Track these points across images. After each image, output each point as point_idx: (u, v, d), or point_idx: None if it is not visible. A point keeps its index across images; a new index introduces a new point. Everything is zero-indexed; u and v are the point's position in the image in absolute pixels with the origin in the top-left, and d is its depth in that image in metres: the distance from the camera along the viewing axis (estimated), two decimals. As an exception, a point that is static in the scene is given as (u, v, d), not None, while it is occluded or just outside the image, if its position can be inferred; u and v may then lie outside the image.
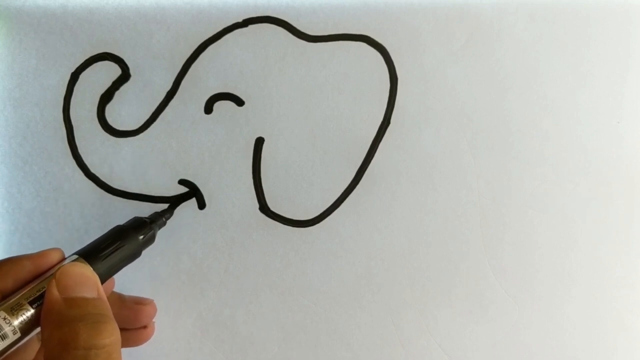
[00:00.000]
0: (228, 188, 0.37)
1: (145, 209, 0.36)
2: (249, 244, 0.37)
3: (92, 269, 0.28)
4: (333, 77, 0.37)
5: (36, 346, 0.29)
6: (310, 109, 0.37)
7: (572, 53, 0.37)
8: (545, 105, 0.37)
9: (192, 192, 0.36)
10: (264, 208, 0.37)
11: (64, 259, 0.29)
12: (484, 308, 0.37)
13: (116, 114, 0.36)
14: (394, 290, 0.37)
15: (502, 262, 0.37)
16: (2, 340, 0.25)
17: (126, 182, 0.36)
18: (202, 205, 0.37)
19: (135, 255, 0.31)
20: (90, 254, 0.29)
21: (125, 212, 0.36)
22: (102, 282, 0.28)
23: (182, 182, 0.37)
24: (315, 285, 0.37)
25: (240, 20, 0.36)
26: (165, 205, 0.36)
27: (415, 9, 0.37)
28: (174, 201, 0.36)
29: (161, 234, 0.36)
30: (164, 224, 0.35)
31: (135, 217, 0.33)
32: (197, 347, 0.37)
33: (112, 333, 0.25)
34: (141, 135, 0.36)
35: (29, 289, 0.26)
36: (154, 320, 0.35)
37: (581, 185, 0.37)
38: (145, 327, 0.35)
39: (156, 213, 0.35)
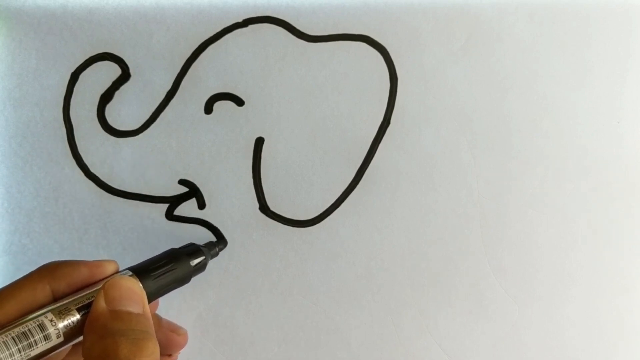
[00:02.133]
0: (228, 188, 0.37)
1: (146, 210, 0.36)
2: (249, 244, 0.37)
3: (141, 285, 0.28)
4: (333, 77, 0.37)
5: (64, 351, 0.29)
6: (310, 109, 0.37)
7: (572, 53, 0.37)
8: (545, 105, 0.37)
9: (192, 192, 0.37)
10: (264, 208, 0.37)
11: (117, 271, 0.29)
12: (484, 308, 0.37)
13: (116, 114, 0.36)
14: (394, 290, 0.37)
15: (502, 262, 0.37)
16: (45, 341, 0.25)
17: (126, 182, 0.36)
18: (202, 205, 0.37)
19: (184, 280, 0.31)
20: (142, 271, 0.29)
21: (125, 212, 0.36)
22: (149, 301, 0.28)
23: (182, 182, 0.37)
24: (315, 285, 0.37)
25: (240, 20, 0.36)
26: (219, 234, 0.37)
27: (415, 9, 0.36)
28: (174, 201, 0.36)
29: (161, 235, 0.36)
30: (217, 254, 0.35)
31: (190, 243, 0.34)
32: (197, 347, 0.37)
33: (153, 351, 0.25)
34: (141, 135, 0.36)
35: (79, 295, 0.26)
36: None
37: (581, 185, 0.37)
38: (170, 355, 0.34)
39: (211, 242, 0.35)
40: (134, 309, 0.26)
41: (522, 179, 0.37)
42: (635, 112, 0.37)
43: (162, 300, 0.36)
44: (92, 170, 0.36)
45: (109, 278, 0.28)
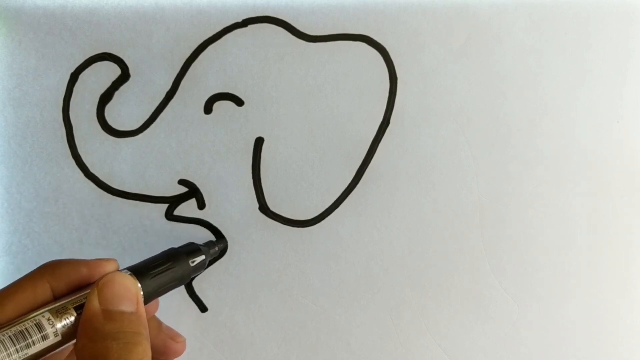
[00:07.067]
0: (228, 188, 0.37)
1: (146, 210, 0.36)
2: (249, 244, 0.37)
3: (136, 282, 0.28)
4: (333, 77, 0.37)
5: (65, 351, 0.29)
6: (309, 109, 0.37)
7: (571, 53, 0.37)
8: (545, 105, 0.37)
9: (192, 192, 0.37)
10: (264, 208, 0.37)
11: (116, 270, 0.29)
12: (483, 308, 0.37)
13: (116, 114, 0.36)
14: (394, 290, 0.37)
15: (502, 262, 0.37)
16: (43, 340, 0.25)
17: (126, 182, 0.36)
18: (201, 205, 0.37)
19: (183, 279, 0.32)
20: (140, 270, 0.29)
21: (125, 212, 0.36)
22: (148, 301, 0.29)
23: (182, 182, 0.37)
24: (315, 285, 0.37)
25: (239, 20, 0.36)
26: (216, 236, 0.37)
27: (415, 9, 0.36)
28: (174, 201, 0.36)
29: (160, 235, 0.36)
30: (217, 253, 0.35)
31: (190, 242, 0.34)
32: (197, 347, 0.37)
33: (143, 355, 0.25)
34: (141, 135, 0.36)
35: (77, 295, 0.27)
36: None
37: (581, 185, 0.37)
38: None
39: (211, 241, 0.35)
40: (126, 307, 0.26)
41: (521, 179, 0.37)
42: (635, 112, 0.37)
43: (162, 299, 0.36)
44: (92, 170, 0.36)
45: (104, 275, 0.28)
